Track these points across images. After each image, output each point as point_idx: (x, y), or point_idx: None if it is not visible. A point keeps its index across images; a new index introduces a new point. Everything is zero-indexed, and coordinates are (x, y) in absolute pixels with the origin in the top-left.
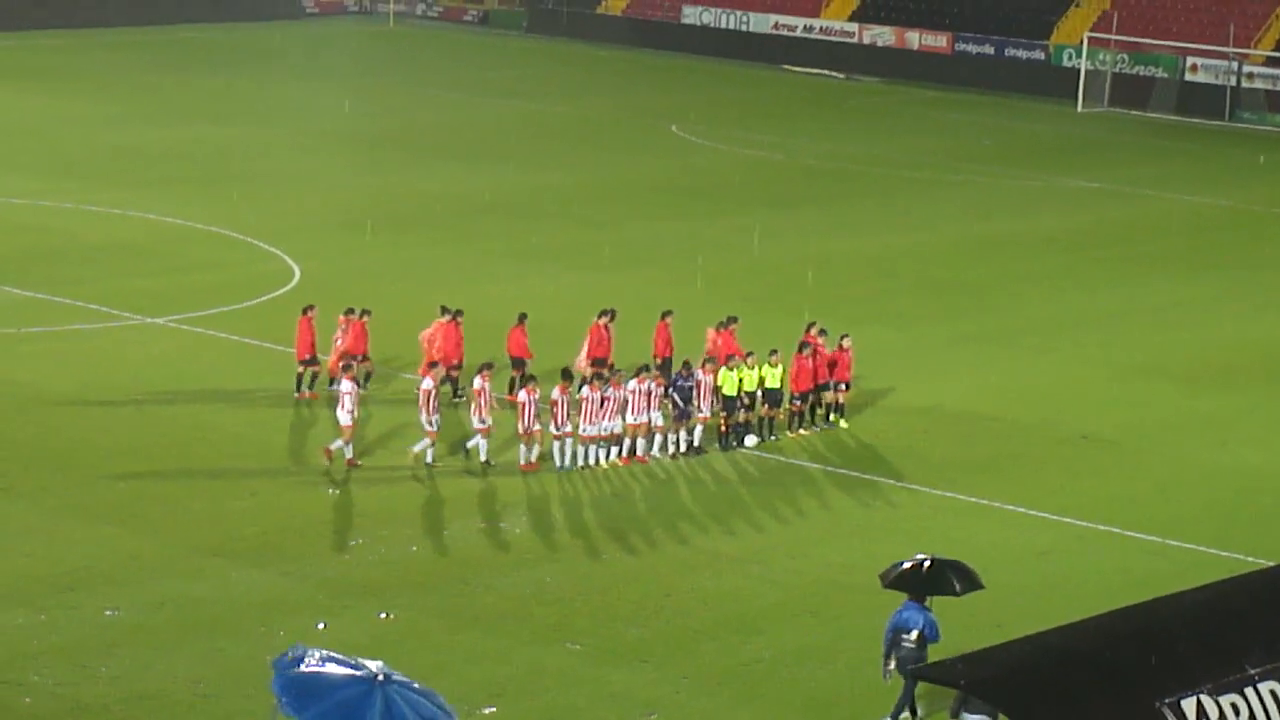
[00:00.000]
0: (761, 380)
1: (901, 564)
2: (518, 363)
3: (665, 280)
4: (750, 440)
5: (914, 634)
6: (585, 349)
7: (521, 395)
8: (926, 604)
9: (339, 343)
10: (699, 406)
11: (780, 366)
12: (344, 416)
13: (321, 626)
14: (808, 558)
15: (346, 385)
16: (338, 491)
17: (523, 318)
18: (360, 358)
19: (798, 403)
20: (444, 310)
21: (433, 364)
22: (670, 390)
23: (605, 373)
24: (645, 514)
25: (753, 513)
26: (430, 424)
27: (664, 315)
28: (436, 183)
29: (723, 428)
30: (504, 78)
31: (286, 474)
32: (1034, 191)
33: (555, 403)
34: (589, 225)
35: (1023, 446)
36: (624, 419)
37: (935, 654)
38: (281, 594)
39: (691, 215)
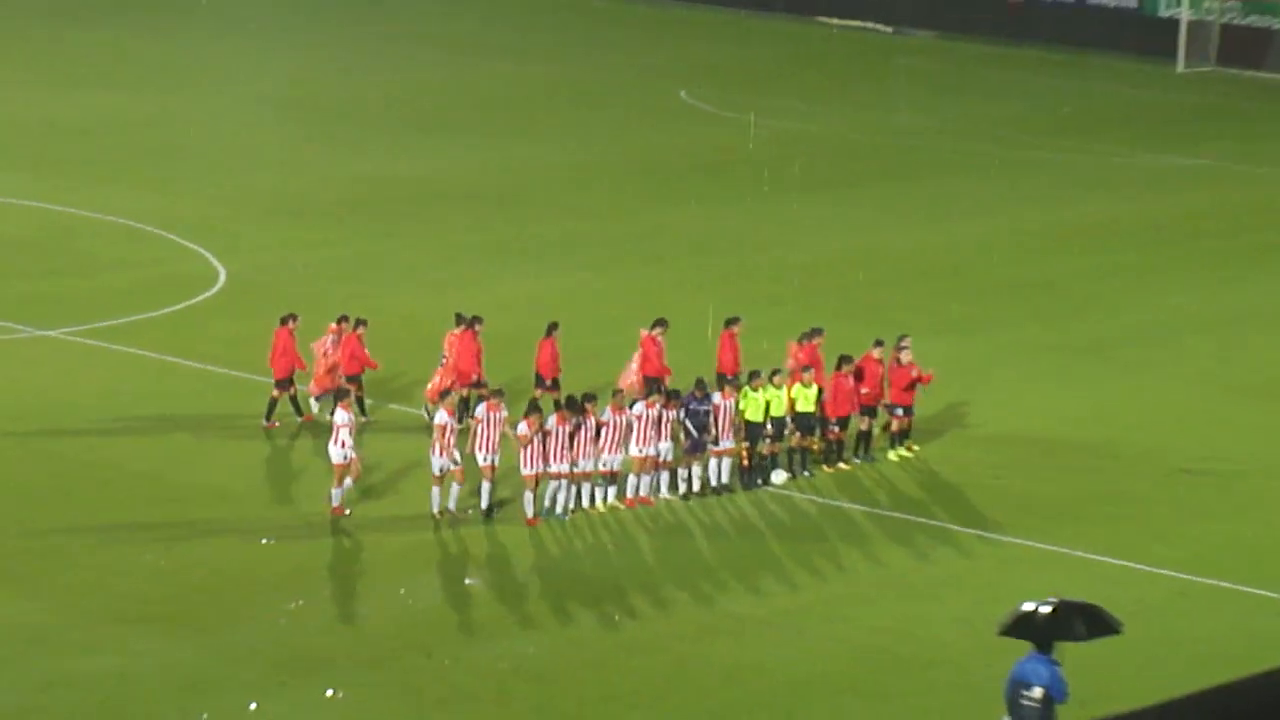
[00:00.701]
0: (792, 403)
1: (1021, 607)
2: (547, 383)
3: (673, 281)
4: (779, 477)
5: (1036, 691)
6: (634, 364)
7: (522, 427)
8: (1054, 656)
9: (326, 356)
10: (717, 436)
11: (815, 386)
12: (336, 452)
13: (253, 707)
14: (850, 622)
15: (341, 415)
16: (271, 541)
17: (553, 328)
18: (351, 379)
19: (836, 430)
20: (459, 318)
21: (444, 392)
22: (682, 416)
23: (614, 397)
24: (652, 568)
25: (782, 566)
26: (449, 461)
27: (729, 324)
28: (395, 162)
29: (744, 461)
30: (479, 32)
31: (208, 522)
32: (1126, 170)
33: (549, 433)
34: (580, 214)
35: (1116, 483)
36: (627, 451)
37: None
38: (201, 669)
39: (705, 201)
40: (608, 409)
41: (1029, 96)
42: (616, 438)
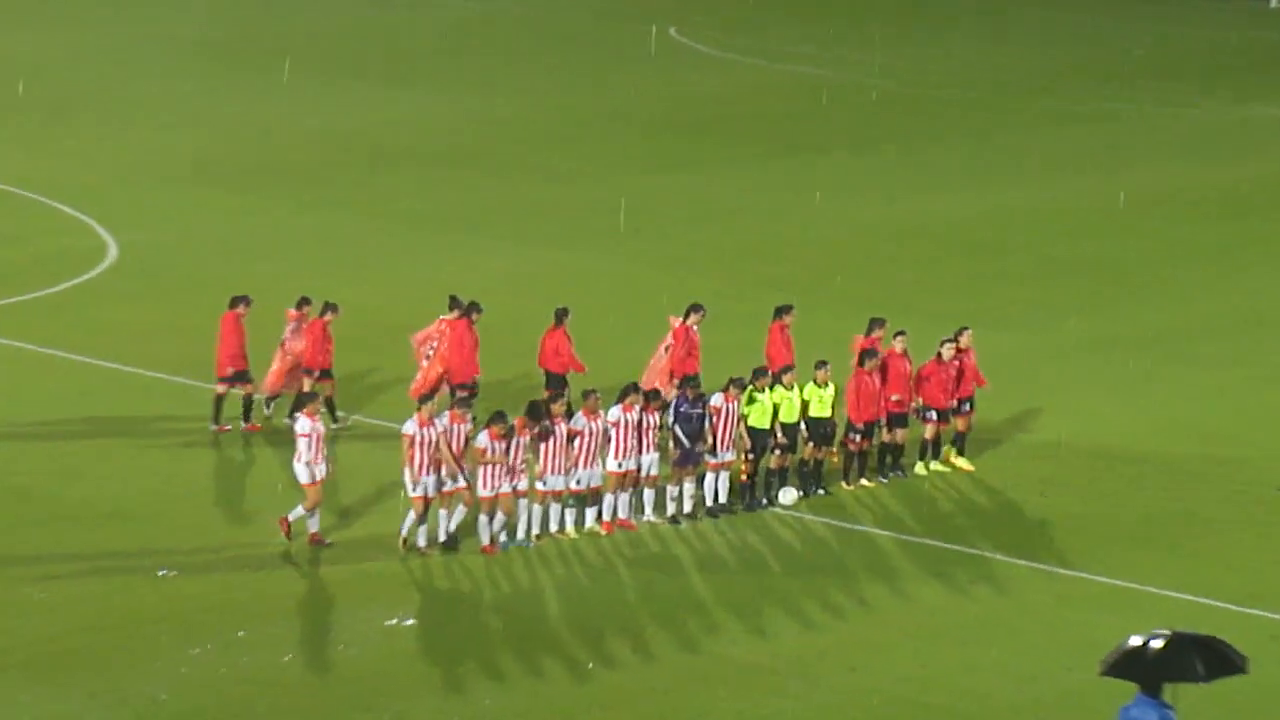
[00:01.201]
0: (805, 406)
1: (1127, 642)
2: (555, 380)
3: (660, 260)
4: (788, 496)
5: None
6: (665, 359)
7: (482, 438)
8: (1166, 698)
9: (285, 350)
10: (714, 446)
11: (831, 386)
12: (303, 471)
13: None
14: (873, 671)
15: (305, 424)
16: (172, 574)
17: (562, 316)
18: (321, 375)
19: (858, 438)
20: (454, 302)
21: (424, 397)
22: (671, 422)
23: (587, 399)
24: (634, 606)
25: (792, 603)
26: (431, 480)
27: (780, 313)
28: (323, 113)
29: (745, 476)
30: None
31: (101, 550)
32: (1207, 125)
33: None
34: (548, 178)
35: (1191, 504)
36: (604, 465)
37: None
38: None
39: (698, 163)
40: (580, 414)
41: (1093, 38)
42: (591, 449)
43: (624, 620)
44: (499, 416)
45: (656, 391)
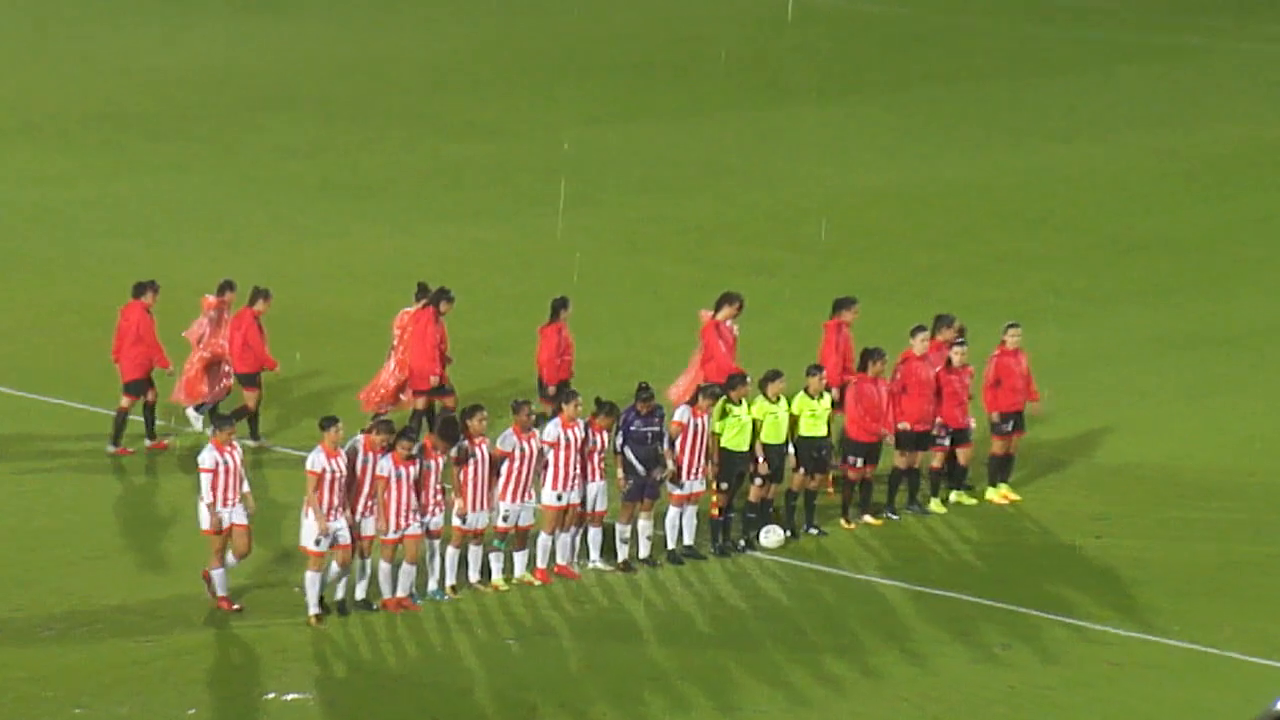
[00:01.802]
0: (794, 422)
1: (1274, 706)
2: (562, 392)
3: (614, 236)
4: (771, 537)
5: None
6: (699, 363)
7: (384, 465)
8: None
9: (202, 347)
10: (677, 473)
11: (827, 397)
12: (204, 514)
13: None
14: None
15: (210, 457)
16: (52, 633)
17: (560, 309)
18: (249, 381)
19: (859, 463)
20: (422, 291)
21: (379, 422)
22: (620, 443)
23: (516, 414)
24: (575, 678)
25: (779, 673)
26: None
27: (840, 307)
28: (175, 53)
29: (716, 511)
30: None
31: None
32: None
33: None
34: (466, 132)
35: None
36: (539, 497)
37: None
38: None
39: (665, 110)
40: (509, 432)
41: None
42: (523, 477)
43: (564, 695)
44: (405, 435)
45: (611, 405)
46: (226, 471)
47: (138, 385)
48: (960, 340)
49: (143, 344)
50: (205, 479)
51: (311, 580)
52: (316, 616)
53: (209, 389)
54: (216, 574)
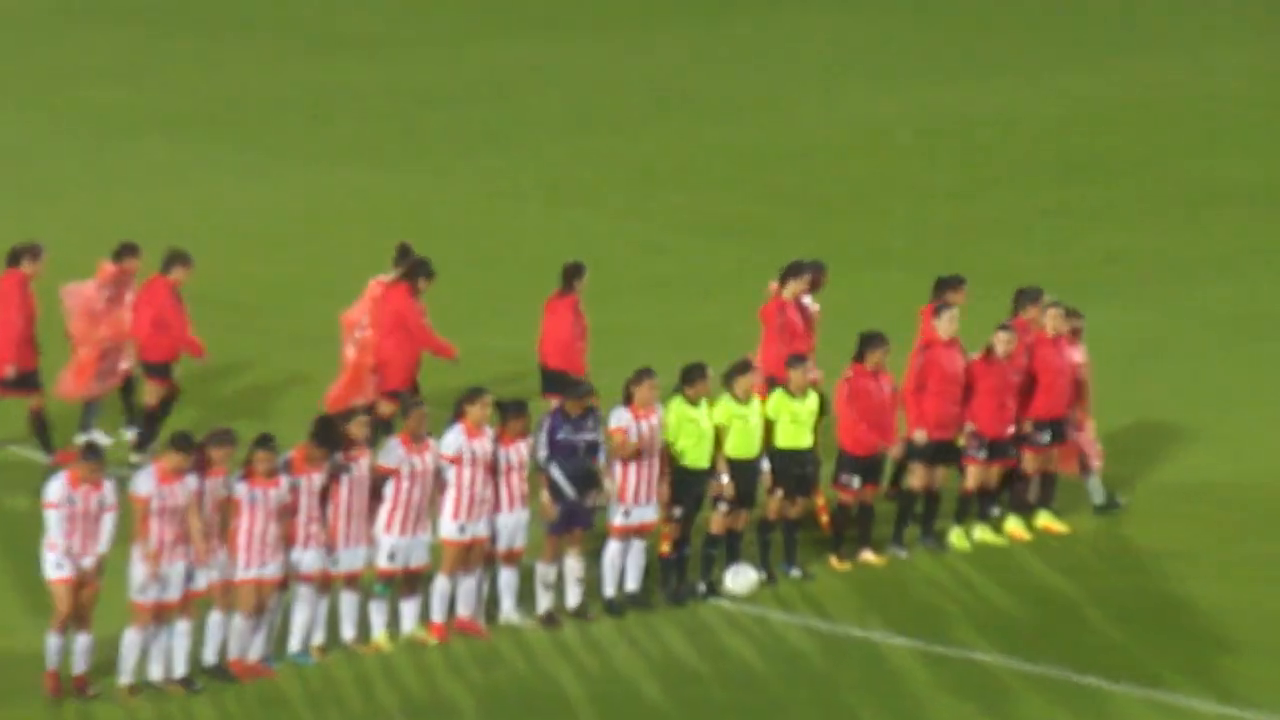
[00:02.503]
0: (769, 429)
1: None
2: (569, 385)
3: (535, 182)
4: (740, 580)
5: None
6: (762, 354)
7: (240, 489)
8: None
9: (94, 323)
10: (620, 496)
11: (813, 396)
12: (50, 563)
13: None
14: None
15: (58, 491)
16: None
17: (574, 276)
18: (155, 371)
19: (855, 482)
20: (404, 254)
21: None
22: (544, 456)
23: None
24: None
25: None
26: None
27: (944, 287)
28: None
29: (667, 547)
30: None
31: None
32: None
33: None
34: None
35: None
36: (435, 529)
37: None
38: None
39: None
40: (394, 442)
41: None
42: (414, 502)
43: None
44: (262, 444)
45: (520, 405)
46: (78, 511)
47: (16, 380)
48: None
49: (14, 327)
50: (52, 517)
51: (131, 642)
52: (131, 688)
53: (98, 382)
54: (53, 639)
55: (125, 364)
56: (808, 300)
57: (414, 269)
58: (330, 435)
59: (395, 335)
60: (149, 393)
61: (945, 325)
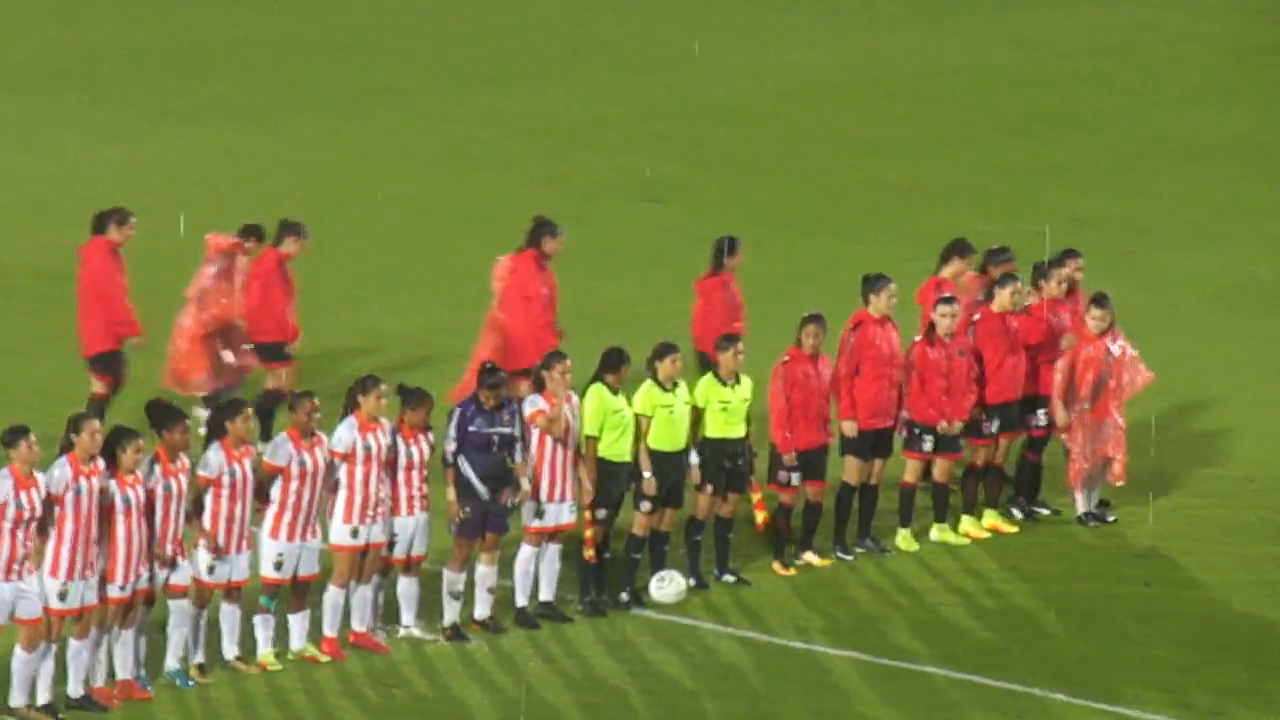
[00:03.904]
0: (697, 419)
1: None
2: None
3: (435, 142)
4: (666, 587)
5: None
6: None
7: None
8: None
9: (203, 308)
10: (535, 496)
11: (746, 382)
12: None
13: None
14: None
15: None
16: None
17: (724, 252)
18: (271, 354)
19: (793, 478)
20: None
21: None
22: (451, 450)
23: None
24: None
25: None
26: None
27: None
28: None
29: (590, 553)
30: None
31: None
32: None
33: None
34: None
35: None
36: (324, 533)
37: None
38: None
39: None
40: (281, 438)
41: None
42: (303, 504)
43: None
44: (125, 435)
45: (420, 393)
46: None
47: (104, 360)
48: (943, 299)
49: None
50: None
51: (24, 662)
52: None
53: (213, 372)
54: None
55: (246, 357)
56: (970, 274)
57: (537, 230)
58: (162, 413)
59: (520, 310)
60: (270, 378)
61: (878, 303)
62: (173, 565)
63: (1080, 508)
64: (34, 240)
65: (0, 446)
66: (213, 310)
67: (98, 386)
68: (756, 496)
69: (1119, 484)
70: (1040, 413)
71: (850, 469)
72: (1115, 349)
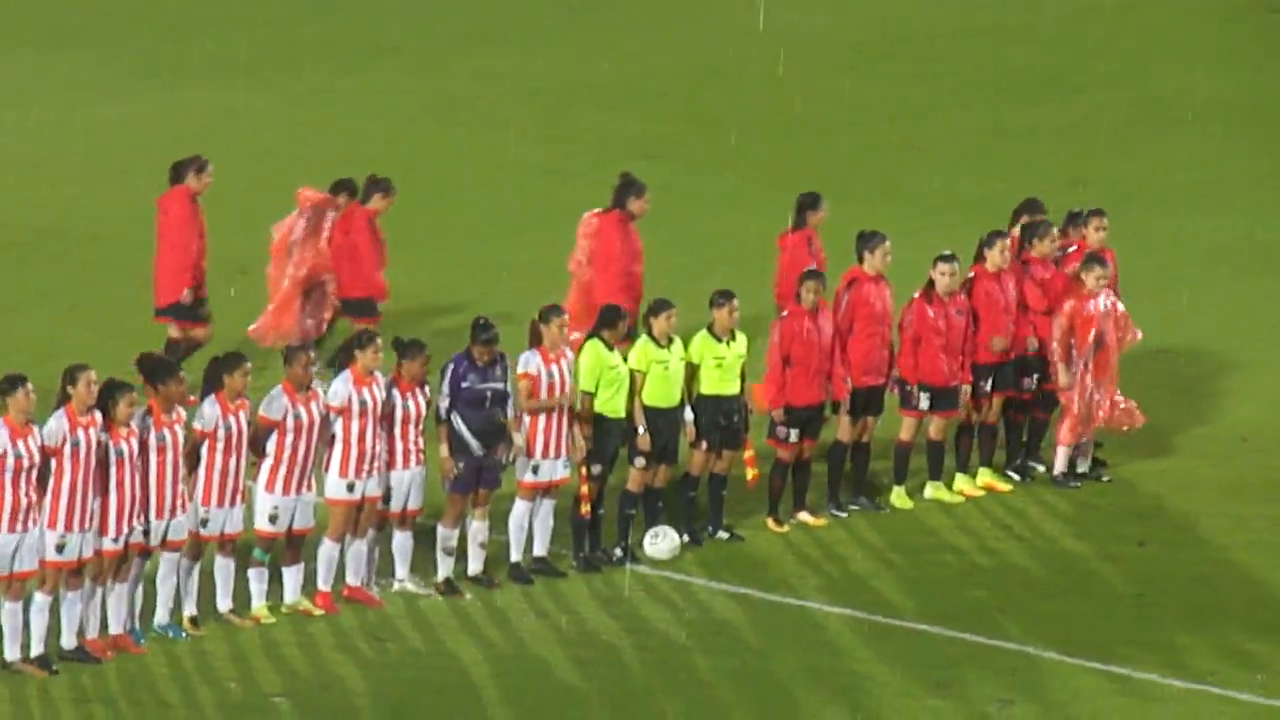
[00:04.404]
0: (692, 375)
1: None
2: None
3: (428, 101)
4: (661, 543)
5: None
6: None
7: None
8: None
9: (298, 263)
10: (530, 453)
11: (742, 338)
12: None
13: None
14: None
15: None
16: None
17: (807, 207)
18: (359, 309)
19: (791, 435)
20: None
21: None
22: (445, 406)
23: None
24: None
25: None
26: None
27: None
28: None
29: (585, 508)
30: None
31: None
32: None
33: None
34: None
35: None
36: (320, 487)
37: None
38: None
39: None
40: (277, 391)
41: None
42: (298, 458)
43: None
44: (120, 388)
45: (417, 345)
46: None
47: (191, 308)
48: (942, 255)
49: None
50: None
51: (10, 613)
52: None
53: (302, 322)
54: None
55: (330, 310)
56: (1049, 247)
57: (625, 189)
58: (158, 367)
59: (603, 269)
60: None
61: (873, 261)
62: (171, 517)
63: (1059, 467)
64: (29, 195)
65: None
66: (306, 266)
67: (174, 331)
68: (749, 453)
69: (1140, 425)
70: (1034, 375)
71: (843, 427)
72: (1105, 305)
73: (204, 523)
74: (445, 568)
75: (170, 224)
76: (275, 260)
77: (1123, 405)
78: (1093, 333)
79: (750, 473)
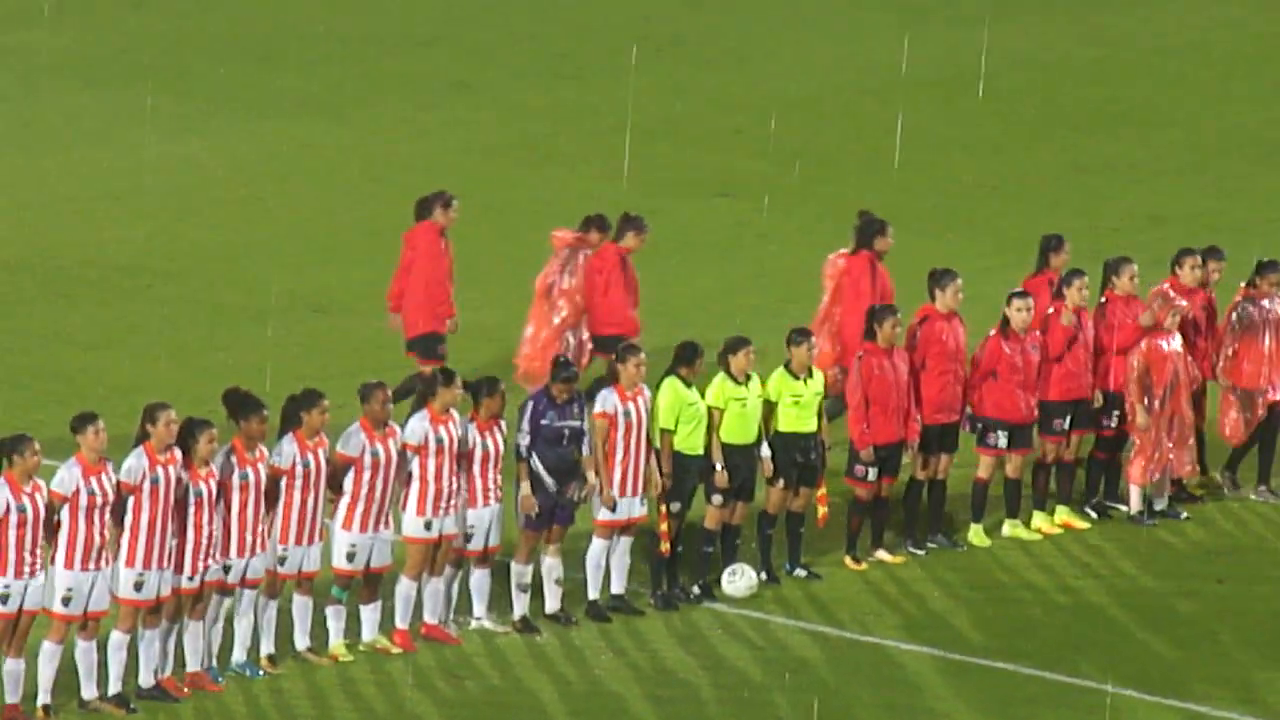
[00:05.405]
0: (770, 412)
1: None
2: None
3: (505, 135)
4: (738, 581)
5: None
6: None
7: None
8: None
9: (559, 301)
10: (603, 488)
11: (819, 376)
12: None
13: None
14: None
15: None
16: None
17: (874, 232)
18: (605, 345)
19: (870, 473)
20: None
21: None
22: (524, 442)
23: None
24: None
25: None
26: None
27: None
28: None
29: (665, 547)
30: None
31: None
32: None
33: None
34: None
35: None
36: (397, 526)
37: None
38: None
39: None
40: (354, 428)
41: None
42: (375, 496)
43: None
44: (200, 425)
45: (493, 382)
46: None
47: (427, 342)
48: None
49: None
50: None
51: (49, 654)
52: (45, 709)
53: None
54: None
55: (586, 353)
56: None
57: (868, 229)
58: (240, 400)
59: (853, 309)
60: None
61: (946, 299)
62: (251, 555)
63: (1135, 505)
64: (109, 233)
65: (70, 434)
66: (568, 309)
67: (424, 368)
68: (820, 491)
69: (1192, 477)
70: (1115, 414)
71: (916, 465)
72: (1175, 345)
73: (282, 560)
74: (521, 605)
75: (421, 259)
76: (537, 301)
77: (1173, 454)
78: (1165, 374)
79: (821, 510)
